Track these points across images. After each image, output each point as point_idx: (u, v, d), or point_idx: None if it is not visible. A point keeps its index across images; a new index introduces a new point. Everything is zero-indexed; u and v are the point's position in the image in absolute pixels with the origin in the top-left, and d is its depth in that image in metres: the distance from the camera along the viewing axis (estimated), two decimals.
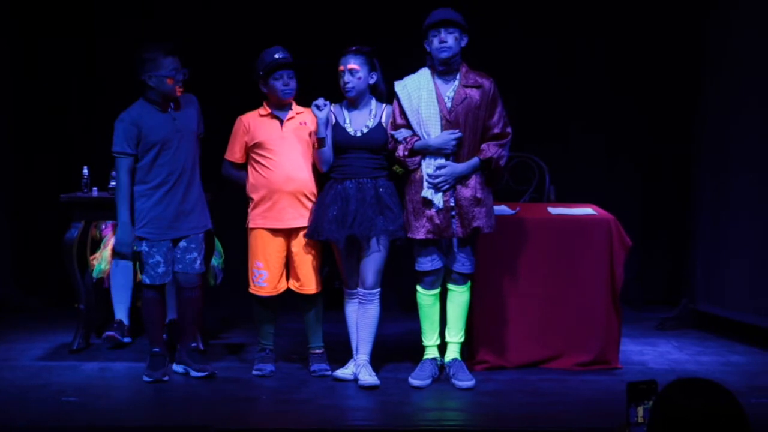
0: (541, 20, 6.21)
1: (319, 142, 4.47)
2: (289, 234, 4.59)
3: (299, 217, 4.56)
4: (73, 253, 5.02)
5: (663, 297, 6.24)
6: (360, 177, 4.47)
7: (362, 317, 4.49)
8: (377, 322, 4.50)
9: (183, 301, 4.59)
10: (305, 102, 4.63)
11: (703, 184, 5.79)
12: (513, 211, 4.86)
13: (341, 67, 4.47)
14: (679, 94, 6.09)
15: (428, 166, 4.37)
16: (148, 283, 4.50)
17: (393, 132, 4.43)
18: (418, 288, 4.51)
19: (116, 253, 4.64)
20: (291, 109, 4.64)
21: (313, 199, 4.59)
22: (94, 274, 5.26)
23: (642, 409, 2.49)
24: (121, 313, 5.23)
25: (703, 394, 2.06)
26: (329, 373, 4.59)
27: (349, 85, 4.46)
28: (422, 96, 4.38)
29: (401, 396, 4.32)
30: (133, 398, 4.37)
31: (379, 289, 4.48)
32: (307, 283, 4.60)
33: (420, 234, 4.39)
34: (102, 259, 5.28)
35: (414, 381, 4.45)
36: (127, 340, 5.20)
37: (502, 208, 4.84)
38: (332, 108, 4.54)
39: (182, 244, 4.51)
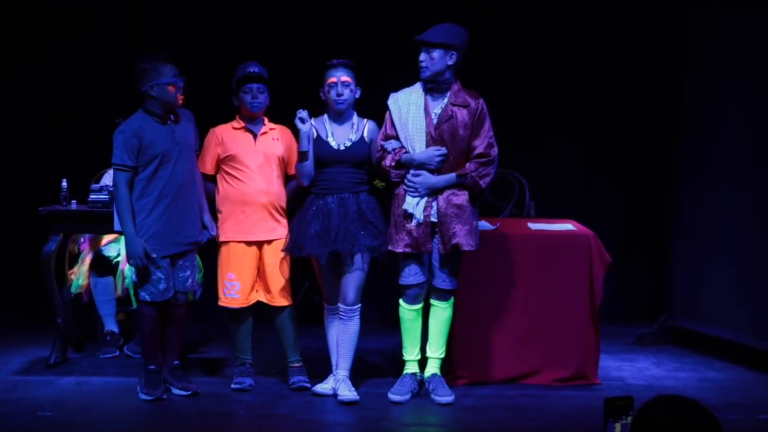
0: (521, 36, 6.25)
1: (301, 155, 4.47)
2: (260, 246, 4.60)
3: (271, 229, 4.58)
4: (51, 267, 4.98)
5: (642, 313, 6.26)
6: (342, 192, 4.47)
7: (342, 333, 4.48)
8: (357, 338, 4.49)
9: (170, 317, 4.55)
10: (279, 116, 4.63)
11: (682, 201, 5.84)
12: (493, 227, 4.88)
13: (333, 79, 4.47)
14: (660, 110, 6.14)
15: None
16: (148, 300, 4.43)
17: (383, 142, 4.45)
18: (401, 302, 4.51)
19: (131, 265, 4.45)
20: (264, 124, 4.66)
21: (284, 213, 4.61)
22: (72, 290, 5.23)
23: (620, 424, 2.50)
24: (111, 324, 5.24)
25: (681, 411, 2.07)
26: (308, 384, 4.58)
27: (343, 97, 4.46)
28: (411, 110, 4.40)
29: (380, 411, 4.32)
30: (109, 413, 4.32)
31: (359, 305, 4.47)
32: (279, 295, 4.60)
33: (399, 247, 4.40)
34: (80, 274, 5.25)
35: (393, 396, 4.45)
36: (117, 353, 5.20)
37: (482, 224, 4.85)
38: (313, 122, 4.54)
39: (179, 261, 4.47)
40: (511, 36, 6.22)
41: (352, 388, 4.44)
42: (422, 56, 4.36)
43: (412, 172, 4.36)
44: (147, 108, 4.41)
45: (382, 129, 4.48)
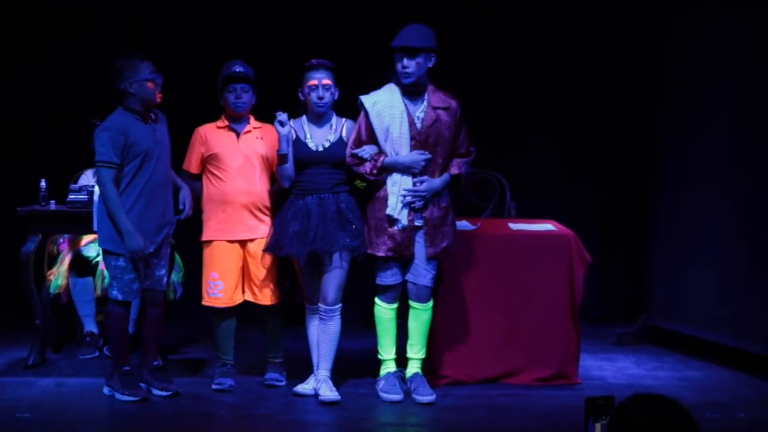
0: (501, 36, 6.26)
1: (281, 158, 4.46)
2: (243, 245, 4.59)
3: (254, 228, 4.57)
4: (30, 267, 4.94)
5: (622, 312, 6.30)
6: (321, 192, 4.46)
7: (323, 333, 4.47)
8: (338, 338, 4.49)
9: (148, 318, 4.52)
10: (263, 115, 4.62)
11: (661, 202, 5.88)
12: (474, 227, 4.89)
13: (313, 82, 4.44)
14: (640, 112, 6.18)
15: (394, 184, 4.37)
16: (121, 299, 4.39)
17: (355, 150, 4.42)
18: (379, 301, 4.51)
19: (132, 259, 4.38)
20: (248, 123, 4.65)
21: (267, 212, 4.59)
22: (52, 290, 5.20)
23: (600, 424, 2.51)
24: (90, 325, 5.21)
25: (658, 410, 2.08)
26: (281, 384, 4.58)
27: (324, 101, 4.45)
28: (394, 115, 4.37)
29: (362, 411, 4.32)
30: (89, 414, 4.30)
31: (340, 305, 4.47)
32: (263, 294, 4.60)
33: (381, 251, 4.40)
34: (59, 275, 5.22)
35: (389, 396, 4.42)
36: (96, 353, 5.17)
37: (463, 224, 4.86)
38: (291, 123, 4.53)
39: (153, 260, 4.45)
40: (500, 37, 6.23)
41: (333, 388, 4.43)
42: (406, 62, 4.32)
43: (413, 180, 4.35)
44: (127, 105, 4.38)
45: (354, 135, 4.44)
